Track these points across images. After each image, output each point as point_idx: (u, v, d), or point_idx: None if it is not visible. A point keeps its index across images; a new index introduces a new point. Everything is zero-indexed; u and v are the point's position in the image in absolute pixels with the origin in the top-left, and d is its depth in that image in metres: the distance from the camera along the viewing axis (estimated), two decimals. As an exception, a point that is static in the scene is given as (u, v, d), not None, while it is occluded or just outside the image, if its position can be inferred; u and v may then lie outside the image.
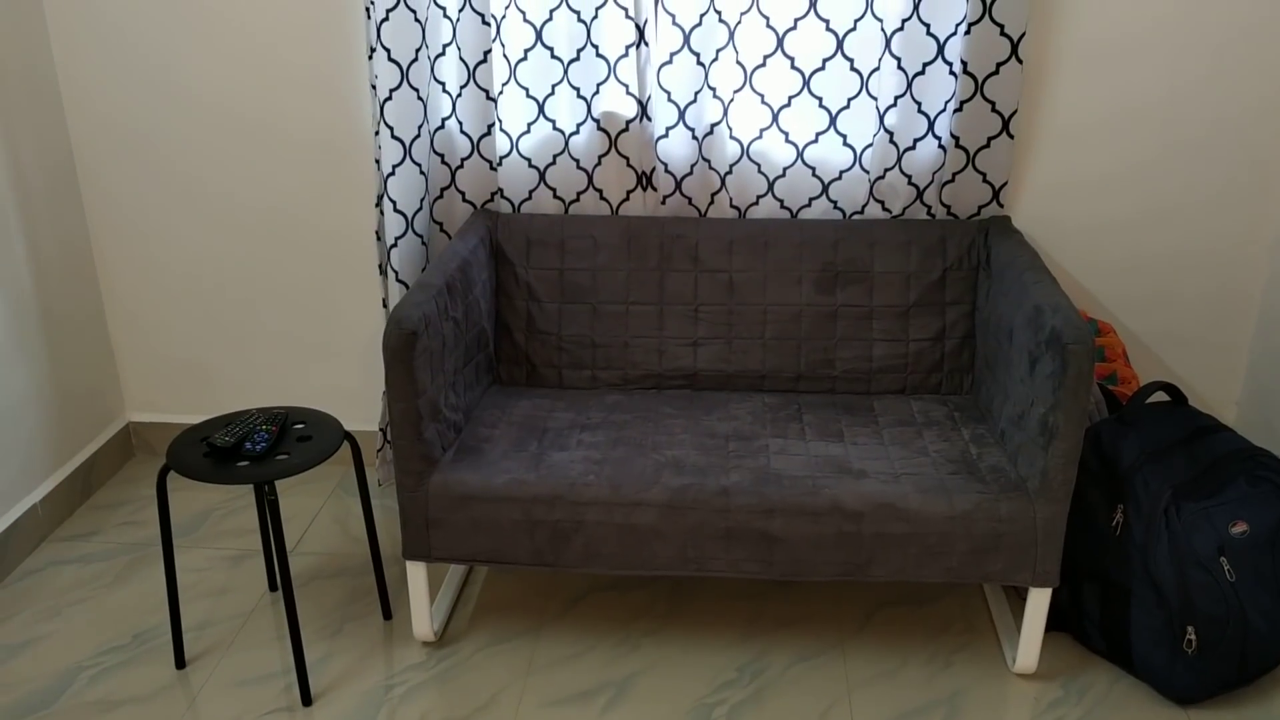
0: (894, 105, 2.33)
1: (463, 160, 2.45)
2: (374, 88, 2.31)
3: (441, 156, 2.46)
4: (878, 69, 2.32)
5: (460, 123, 2.42)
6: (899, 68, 2.29)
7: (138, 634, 2.18)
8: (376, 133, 2.36)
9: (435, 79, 2.39)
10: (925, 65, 2.29)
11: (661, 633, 2.18)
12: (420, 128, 2.36)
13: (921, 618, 2.23)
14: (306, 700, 1.98)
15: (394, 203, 2.36)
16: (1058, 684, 2.04)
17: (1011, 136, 2.32)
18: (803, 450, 2.09)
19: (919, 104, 2.33)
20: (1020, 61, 2.24)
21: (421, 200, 2.42)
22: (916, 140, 2.36)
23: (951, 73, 2.29)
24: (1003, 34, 2.22)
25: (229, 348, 2.76)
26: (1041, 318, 1.93)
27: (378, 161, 2.40)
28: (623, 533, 1.96)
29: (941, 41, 2.27)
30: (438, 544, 2.01)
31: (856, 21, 2.29)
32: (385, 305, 2.53)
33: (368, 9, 2.26)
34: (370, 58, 2.29)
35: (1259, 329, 2.49)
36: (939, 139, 2.36)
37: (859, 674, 2.07)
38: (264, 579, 2.34)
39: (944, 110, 2.33)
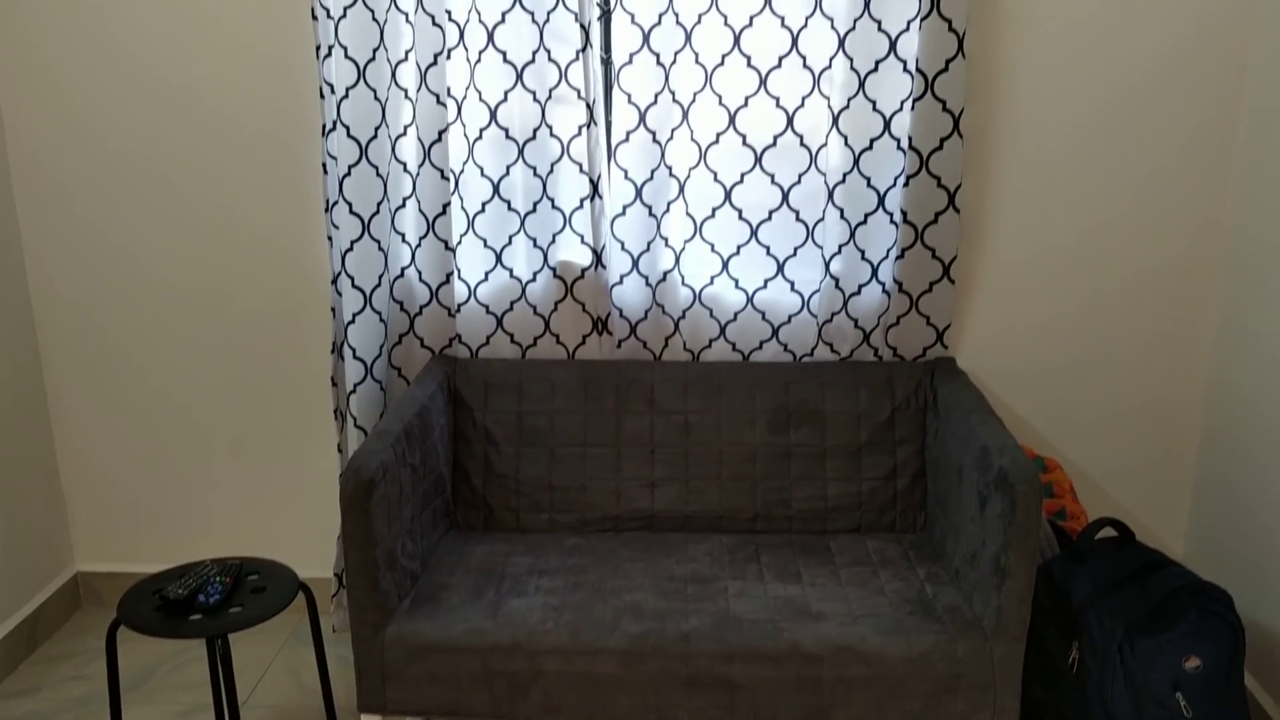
0: (838, 253, 2.42)
1: (421, 307, 2.50)
2: (331, 240, 2.37)
3: (401, 304, 2.51)
4: (822, 219, 2.42)
5: (419, 271, 2.48)
6: (842, 218, 2.40)
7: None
8: (334, 281, 2.41)
9: (395, 230, 2.45)
10: (867, 215, 2.39)
11: (623, 784, 2.14)
12: (381, 277, 2.41)
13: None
14: None
15: (353, 350, 2.40)
16: (1023, 828, 2.02)
17: (952, 282, 2.42)
18: (761, 592, 2.10)
19: (862, 251, 2.42)
20: (957, 211, 2.35)
21: (381, 347, 2.45)
22: (861, 286, 2.45)
23: (892, 222, 2.40)
24: (940, 185, 2.33)
25: (183, 493, 2.74)
26: (989, 458, 1.98)
27: (334, 310, 2.44)
28: (582, 682, 1.94)
29: (882, 193, 2.38)
30: (394, 696, 1.97)
31: (801, 175, 2.40)
32: (341, 450, 2.54)
33: (325, 165, 2.33)
34: (329, 210, 2.36)
35: (1199, 463, 2.56)
36: (883, 284, 2.45)
37: (824, 823, 2.03)
38: (213, 736, 2.28)
39: (886, 257, 2.43)
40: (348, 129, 2.30)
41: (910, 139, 2.30)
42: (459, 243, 2.47)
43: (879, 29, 2.27)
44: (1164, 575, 2.09)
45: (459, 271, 2.49)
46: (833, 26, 2.29)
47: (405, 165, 2.42)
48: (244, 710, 2.37)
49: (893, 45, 2.28)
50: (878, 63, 2.29)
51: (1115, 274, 2.48)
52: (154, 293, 2.60)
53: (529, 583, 2.14)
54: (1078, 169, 2.42)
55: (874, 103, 2.32)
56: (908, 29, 2.27)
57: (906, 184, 2.34)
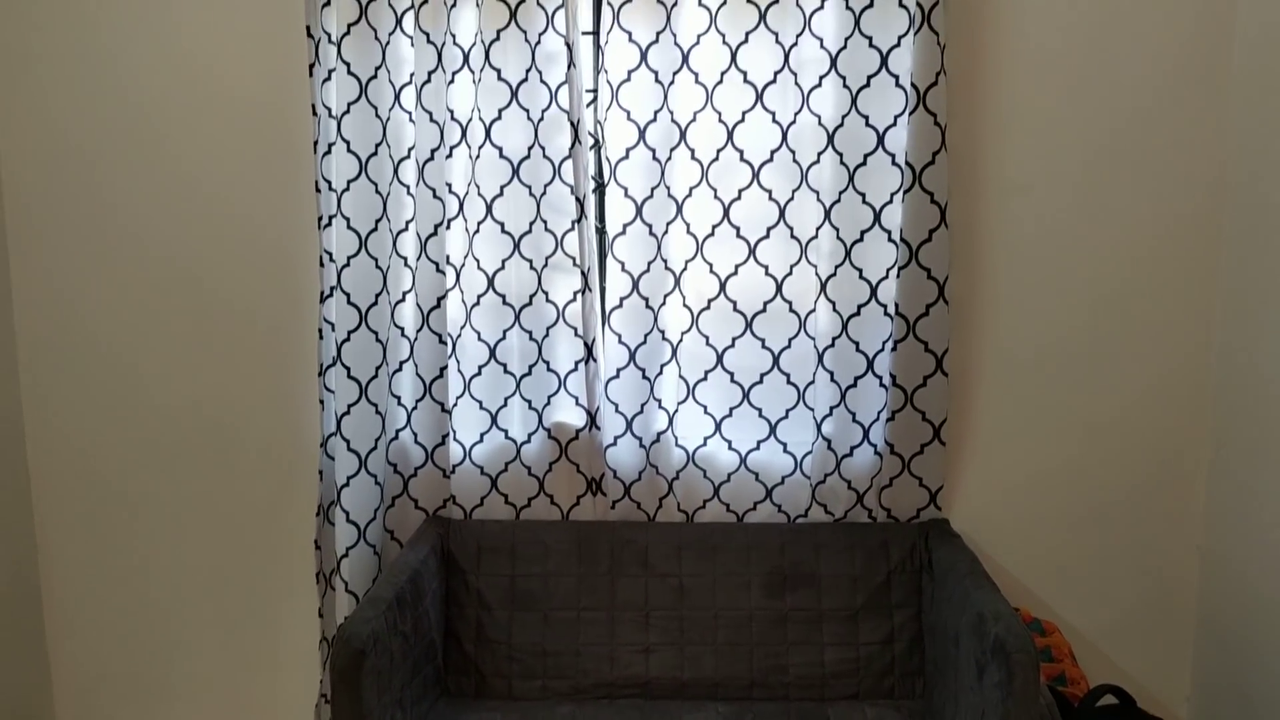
0: (830, 415, 2.46)
1: (417, 469, 2.52)
2: (322, 403, 2.41)
3: (395, 466, 2.52)
4: (813, 382, 2.46)
5: (415, 433, 2.50)
6: (832, 380, 2.44)
7: None
8: (324, 444, 2.43)
9: (392, 393, 2.49)
10: (857, 378, 2.44)
11: None
12: (377, 440, 2.43)
13: None
14: None
15: (346, 513, 2.40)
16: None
17: (943, 443, 2.45)
18: (758, 765, 2.06)
19: (853, 414, 2.46)
20: (945, 374, 2.40)
21: (375, 510, 2.46)
22: (853, 447, 2.47)
23: (882, 385, 2.44)
24: (927, 350, 2.38)
25: (166, 659, 2.69)
26: (985, 626, 1.97)
27: (321, 472, 2.46)
28: None
29: (870, 357, 2.43)
30: None
31: (790, 339, 2.45)
32: (322, 615, 2.51)
33: (320, 330, 2.38)
34: (323, 373, 2.40)
35: (1199, 625, 2.54)
36: (874, 446, 2.47)
37: None
38: None
39: (877, 419, 2.46)
40: (348, 295, 2.36)
41: (897, 305, 2.37)
42: (455, 405, 2.50)
43: (863, 201, 2.36)
44: (1168, 746, 2.06)
45: (454, 433, 2.51)
46: (819, 198, 2.38)
47: (404, 330, 2.48)
48: None
49: (877, 216, 2.36)
50: (863, 233, 2.37)
51: (1105, 431, 2.52)
52: (145, 451, 2.62)
53: (520, 755, 2.10)
54: (1063, 334, 2.48)
55: (860, 271, 2.39)
56: (891, 201, 2.36)
57: (895, 348, 2.39)
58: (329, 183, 2.35)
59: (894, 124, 2.33)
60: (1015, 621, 1.93)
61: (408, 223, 2.44)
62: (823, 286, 2.40)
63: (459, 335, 2.47)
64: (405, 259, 2.45)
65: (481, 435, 2.52)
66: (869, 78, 2.32)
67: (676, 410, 2.49)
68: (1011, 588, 2.56)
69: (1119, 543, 2.55)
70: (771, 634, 2.39)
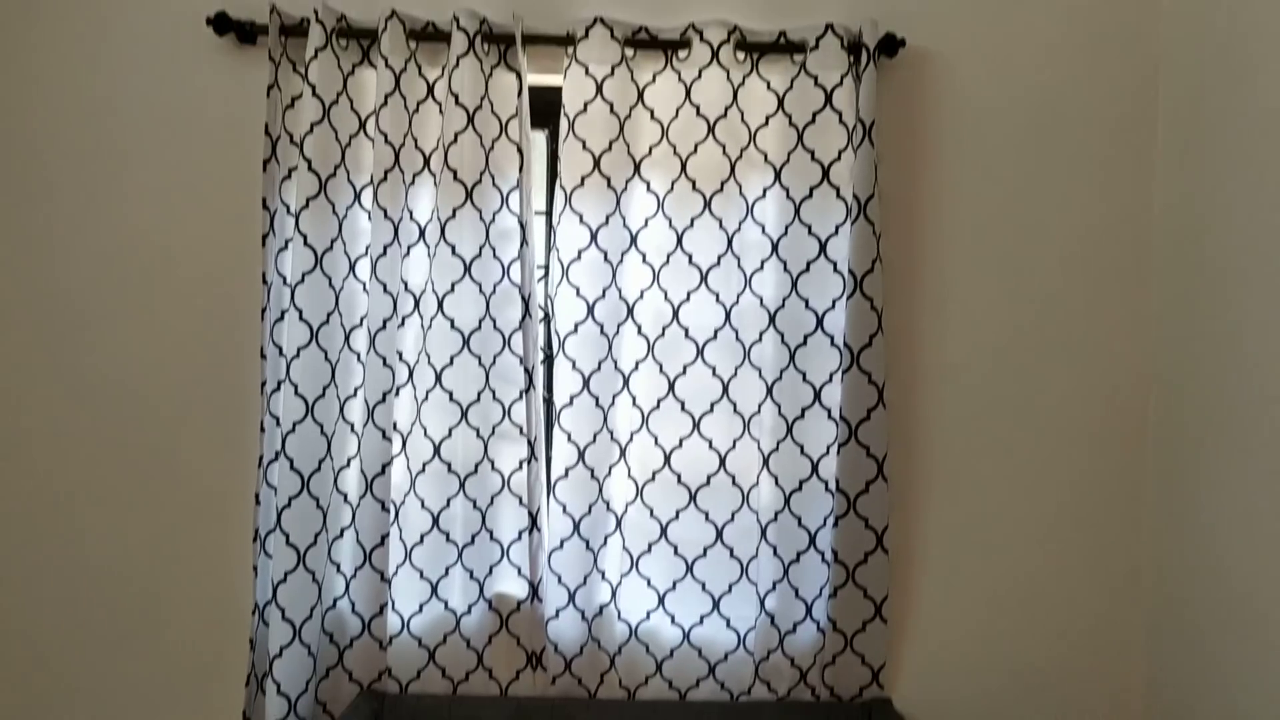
0: (773, 590, 2.46)
1: (352, 640, 2.46)
2: (256, 569, 2.37)
3: (331, 636, 2.47)
4: (756, 556, 2.47)
5: (353, 602, 2.46)
6: (775, 555, 2.45)
7: None
8: (258, 611, 2.38)
9: (331, 560, 2.45)
10: (799, 554, 2.45)
11: None
12: (313, 609, 2.39)
13: None
14: None
15: (278, 684, 2.33)
16: None
17: (885, 620, 2.45)
18: None
19: (796, 589, 2.46)
20: (886, 551, 2.42)
21: (307, 682, 2.39)
22: (796, 624, 2.47)
23: (824, 561, 2.45)
24: (867, 526, 2.42)
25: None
26: (927, 811, 1.93)
27: (252, 641, 2.40)
28: None
29: (812, 532, 2.45)
30: None
31: (734, 513, 2.47)
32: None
33: (259, 495, 2.37)
34: (259, 540, 2.37)
35: (1143, 813, 2.51)
36: (817, 622, 2.47)
37: None
38: None
39: (819, 595, 2.47)
40: (291, 461, 2.36)
41: (837, 482, 2.41)
42: (395, 574, 2.47)
43: (804, 380, 2.43)
44: None
45: (393, 603, 2.47)
46: (761, 375, 2.45)
47: (346, 496, 2.46)
48: None
49: (817, 395, 2.43)
50: (804, 410, 2.43)
51: (1043, 611, 2.54)
52: (72, 613, 2.54)
53: None
54: (999, 512, 2.54)
55: (801, 447, 2.44)
56: (830, 380, 2.43)
57: (836, 524, 2.42)
58: (279, 348, 2.38)
59: (833, 306, 2.43)
60: (957, 808, 1.90)
61: (356, 389, 2.46)
62: (765, 461, 2.45)
63: (402, 502, 2.46)
64: (351, 425, 2.46)
65: (421, 605, 2.48)
66: (808, 263, 2.43)
67: (620, 582, 2.48)
68: (955, 771, 2.53)
69: (1061, 718, 2.55)
70: (712, 819, 2.32)
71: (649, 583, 2.49)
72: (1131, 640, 2.53)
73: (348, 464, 2.47)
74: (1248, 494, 2.10)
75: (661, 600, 2.49)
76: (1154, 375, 2.50)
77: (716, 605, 2.49)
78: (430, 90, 2.46)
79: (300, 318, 2.37)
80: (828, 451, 2.44)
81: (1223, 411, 2.20)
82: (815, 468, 2.44)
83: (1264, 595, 2.03)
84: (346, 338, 2.45)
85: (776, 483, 2.44)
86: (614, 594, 2.47)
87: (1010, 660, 2.55)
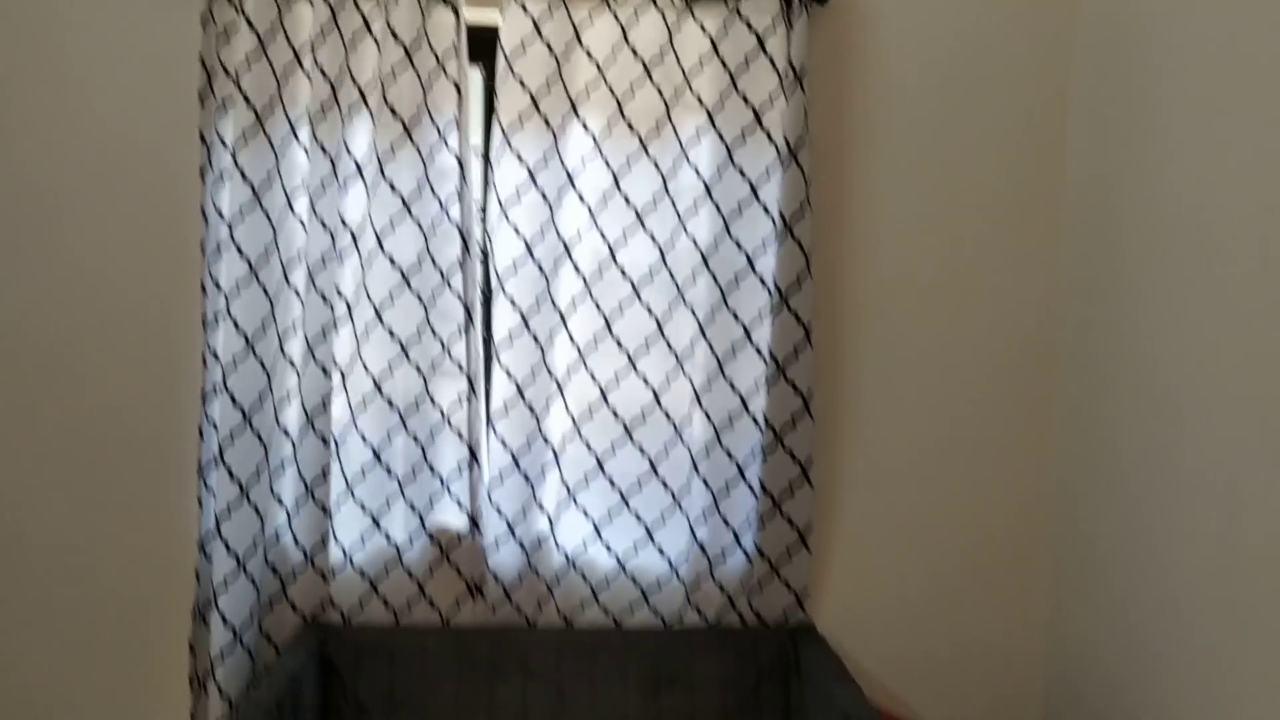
0: (704, 521, 2.56)
1: (295, 572, 2.51)
2: (201, 502, 2.39)
3: (274, 568, 2.51)
4: (688, 489, 2.57)
5: (295, 536, 2.50)
6: (706, 488, 2.55)
7: None
8: (202, 545, 2.41)
9: (273, 493, 2.49)
10: (729, 486, 2.56)
11: None
12: (256, 542, 2.42)
13: None
14: None
15: (223, 616, 2.37)
16: None
17: (809, 549, 2.57)
18: None
19: (726, 520, 2.57)
20: (811, 484, 2.54)
21: (252, 613, 2.43)
22: (726, 553, 2.58)
23: (752, 493, 2.56)
24: (794, 460, 2.52)
25: (16, 774, 2.57)
26: (850, 722, 2.07)
27: (198, 574, 2.43)
28: None
29: (742, 465, 2.55)
30: None
31: (667, 447, 2.56)
32: (192, 717, 2.45)
33: (201, 429, 2.38)
34: (202, 473, 2.39)
35: (1046, 715, 2.71)
36: (746, 552, 2.58)
37: None
38: None
39: (748, 526, 2.58)
40: (232, 396, 2.38)
41: (766, 418, 2.51)
42: (337, 507, 2.51)
43: (735, 319, 2.51)
44: (1019, 837, 2.17)
45: (335, 536, 2.52)
46: (694, 315, 2.53)
47: (287, 431, 2.49)
48: None
49: (748, 333, 2.52)
50: (735, 348, 2.52)
51: (956, 537, 2.69)
52: (13, 543, 2.53)
53: None
54: (919, 446, 2.66)
55: (732, 383, 2.53)
56: (761, 319, 2.52)
57: (764, 458, 2.52)
58: (217, 283, 2.38)
59: (763, 248, 2.51)
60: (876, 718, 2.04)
61: (294, 325, 2.48)
62: (697, 398, 2.53)
63: (343, 437, 2.50)
64: (291, 360, 2.48)
65: (363, 538, 2.53)
66: (741, 205, 2.50)
67: (558, 514, 2.56)
68: (874, 687, 2.69)
69: (971, 641, 2.71)
70: (646, 736, 2.44)
71: (586, 514, 2.57)
72: (1037, 564, 2.69)
73: (288, 399, 2.49)
74: (1147, 424, 2.25)
75: (598, 531, 2.58)
76: (1064, 314, 2.64)
77: (651, 536, 2.58)
78: (367, 25, 2.45)
79: (239, 253, 2.37)
80: (757, 388, 2.54)
81: (1127, 346, 2.34)
82: (745, 404, 2.54)
83: (1158, 515, 2.19)
84: (285, 274, 2.46)
85: (708, 418, 2.53)
86: (552, 526, 2.55)
87: (926, 585, 2.70)
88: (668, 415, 2.56)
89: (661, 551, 2.59)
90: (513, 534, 2.53)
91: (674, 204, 2.51)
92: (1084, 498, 2.53)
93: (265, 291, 2.41)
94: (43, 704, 2.56)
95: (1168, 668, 2.14)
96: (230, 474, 2.38)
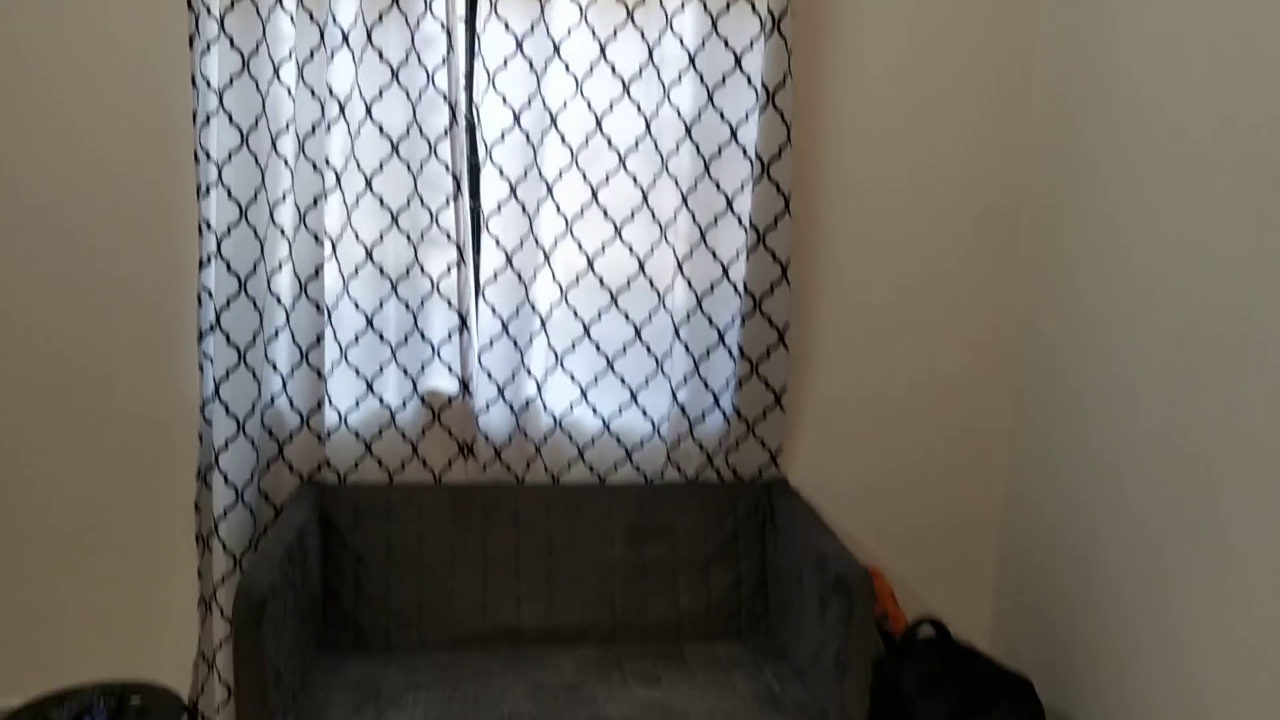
0: (684, 384, 2.69)
1: (291, 434, 2.59)
2: (202, 367, 2.46)
3: (270, 430, 2.59)
4: (670, 353, 2.69)
5: (290, 399, 2.58)
6: (687, 352, 2.67)
7: None
8: (203, 407, 2.48)
9: (267, 359, 2.55)
10: (709, 350, 2.67)
11: None
12: (254, 404, 2.50)
13: None
14: None
15: (224, 475, 2.46)
16: None
17: (783, 409, 2.72)
18: (628, 697, 2.27)
19: (705, 382, 2.69)
20: (787, 348, 2.67)
21: (252, 473, 2.53)
22: (705, 413, 2.71)
23: (731, 356, 2.69)
24: (771, 325, 2.64)
25: (34, 620, 2.66)
26: (826, 565, 2.24)
27: (201, 436, 2.51)
28: (465, 788, 2.05)
29: (722, 330, 2.67)
30: (277, 816, 2.01)
31: (651, 313, 2.66)
32: (201, 576, 2.57)
33: (200, 296, 2.43)
34: (201, 340, 2.45)
35: (997, 567, 2.92)
36: (724, 412, 2.72)
37: None
38: None
39: (726, 388, 2.71)
40: (227, 263, 2.42)
41: (745, 284, 2.61)
42: (331, 372, 2.59)
43: (717, 189, 2.59)
44: (977, 667, 2.39)
45: (330, 399, 2.60)
46: (677, 185, 2.60)
47: (280, 298, 2.55)
48: None
49: (729, 203, 2.60)
50: (716, 217, 2.61)
51: (922, 400, 2.85)
52: (20, 412, 2.59)
53: (406, 697, 2.23)
54: (889, 314, 2.80)
55: (714, 252, 2.62)
56: (742, 189, 2.60)
57: (743, 323, 2.64)
58: (208, 153, 2.40)
59: (746, 119, 2.57)
60: (854, 561, 2.21)
61: (285, 194, 2.51)
62: (680, 266, 2.63)
63: (336, 304, 2.57)
64: (282, 229, 2.52)
65: (357, 401, 2.62)
66: (724, 76, 2.55)
67: (546, 378, 2.67)
68: (841, 538, 2.87)
69: (933, 497, 2.90)
70: (632, 583, 2.60)
71: (573, 378, 2.68)
72: (998, 429, 2.87)
73: (280, 267, 2.54)
74: (1108, 298, 2.40)
75: (584, 393, 2.69)
76: (1028, 183, 2.76)
77: (634, 397, 2.71)
78: (350, -111, 2.42)
79: (230, 121, 2.39)
80: (738, 256, 2.63)
81: (1088, 213, 2.47)
82: (726, 271, 2.64)
83: (1106, 398, 2.36)
84: (274, 143, 2.48)
85: (690, 285, 2.63)
86: (540, 388, 2.66)
87: (892, 443, 2.87)
88: (651, 283, 2.65)
89: (644, 413, 2.71)
90: (502, 396, 2.64)
91: (659, 74, 2.56)
92: (1044, 364, 2.69)
93: (256, 161, 2.44)
94: (54, 566, 2.65)
95: (1108, 530, 2.33)
96: (228, 339, 2.44)
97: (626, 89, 2.56)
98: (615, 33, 2.54)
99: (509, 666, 2.40)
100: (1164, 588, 2.15)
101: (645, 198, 2.61)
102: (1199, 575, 2.04)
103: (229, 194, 2.41)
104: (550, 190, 2.57)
